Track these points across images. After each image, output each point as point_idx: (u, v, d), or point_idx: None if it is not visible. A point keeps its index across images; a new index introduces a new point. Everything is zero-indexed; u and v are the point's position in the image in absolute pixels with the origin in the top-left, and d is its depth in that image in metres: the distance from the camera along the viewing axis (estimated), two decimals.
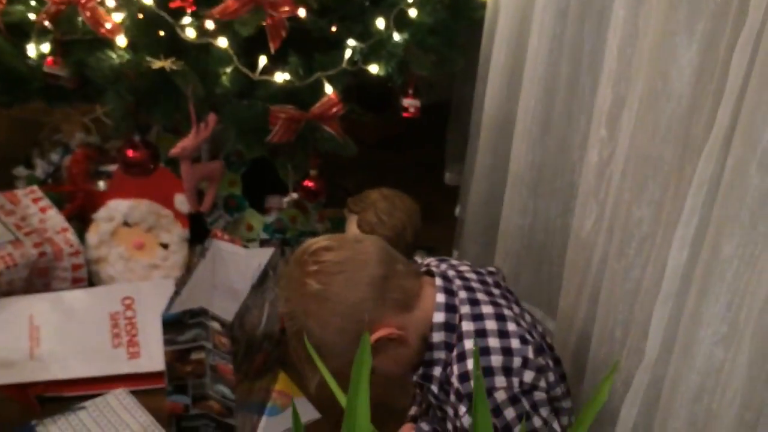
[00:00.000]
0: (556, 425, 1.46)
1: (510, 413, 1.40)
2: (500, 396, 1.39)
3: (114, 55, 2.00)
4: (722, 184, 1.24)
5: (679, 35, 1.38)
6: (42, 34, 2.07)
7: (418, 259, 1.66)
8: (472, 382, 1.40)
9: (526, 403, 1.41)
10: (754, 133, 1.17)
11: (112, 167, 2.43)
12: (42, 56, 2.06)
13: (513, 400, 1.40)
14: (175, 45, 2.01)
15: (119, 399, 1.93)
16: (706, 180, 1.28)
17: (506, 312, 1.49)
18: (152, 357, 2.00)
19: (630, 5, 1.57)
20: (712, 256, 1.26)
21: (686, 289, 1.34)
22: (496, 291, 1.55)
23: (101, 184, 2.41)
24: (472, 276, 1.57)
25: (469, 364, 1.42)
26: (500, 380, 1.40)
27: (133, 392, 1.96)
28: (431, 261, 1.62)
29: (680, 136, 1.41)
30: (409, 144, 2.84)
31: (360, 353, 1.11)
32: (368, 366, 1.11)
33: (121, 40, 1.98)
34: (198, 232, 2.33)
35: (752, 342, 1.20)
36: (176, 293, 1.78)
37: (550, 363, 1.49)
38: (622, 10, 1.60)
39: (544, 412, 1.43)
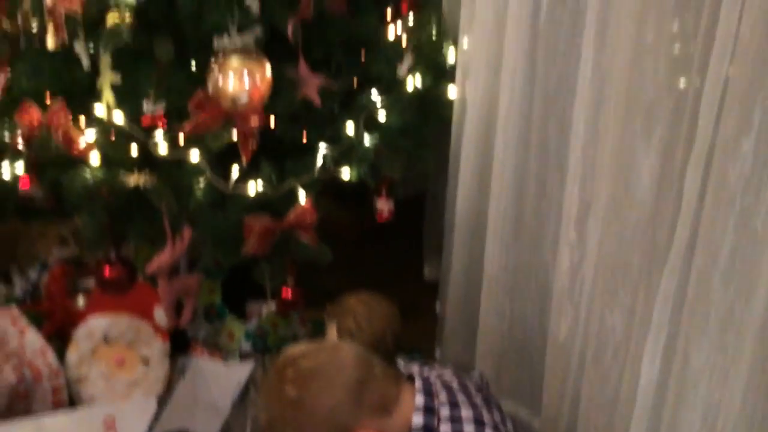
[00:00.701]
0: None
1: None
2: None
3: (88, 174, 2.00)
4: (688, 298, 1.25)
5: (638, 143, 1.40)
6: (15, 155, 2.07)
7: (401, 363, 1.65)
8: None
9: None
10: (714, 247, 1.18)
11: (91, 280, 2.41)
12: (16, 177, 2.06)
13: None
14: (148, 159, 2.01)
15: None
16: (671, 295, 1.29)
17: (486, 418, 1.47)
18: None
19: (589, 112, 1.59)
20: (684, 368, 1.26)
21: (662, 402, 1.34)
22: (477, 396, 1.54)
23: (80, 300, 2.39)
24: (454, 380, 1.56)
25: None
26: None
27: None
28: (414, 367, 1.61)
29: (645, 243, 1.42)
30: (388, 238, 2.84)
31: None
32: None
33: (95, 158, 1.99)
34: (179, 344, 2.31)
35: None
36: (157, 415, 1.76)
37: None
38: (582, 115, 1.62)
39: None
